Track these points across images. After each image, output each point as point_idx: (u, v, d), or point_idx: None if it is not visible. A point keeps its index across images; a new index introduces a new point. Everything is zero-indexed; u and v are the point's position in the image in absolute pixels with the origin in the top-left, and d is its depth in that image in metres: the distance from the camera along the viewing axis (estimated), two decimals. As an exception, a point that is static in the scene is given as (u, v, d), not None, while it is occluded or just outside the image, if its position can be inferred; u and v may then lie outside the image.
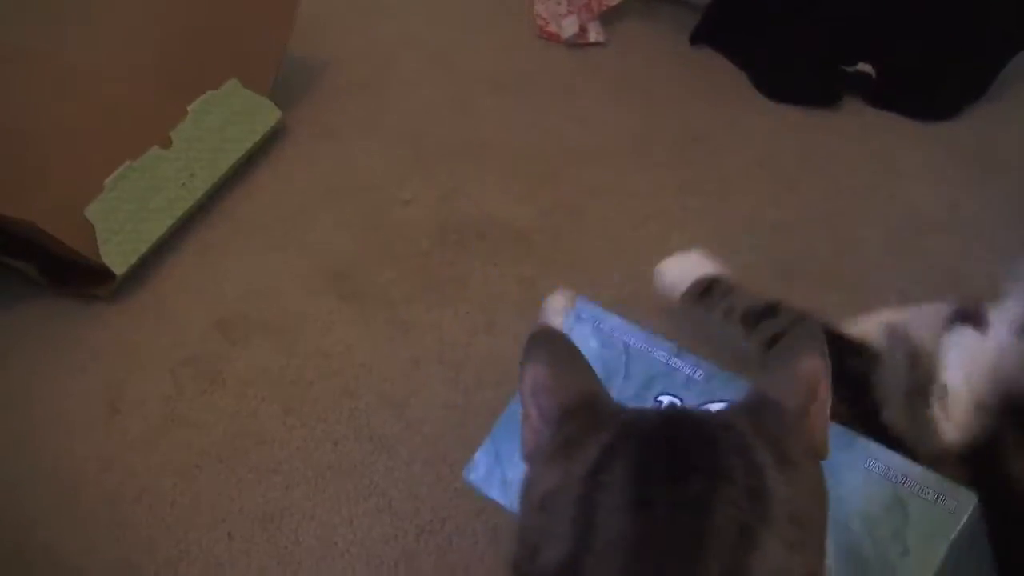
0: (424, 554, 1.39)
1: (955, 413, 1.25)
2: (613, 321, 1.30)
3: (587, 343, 1.28)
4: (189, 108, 1.85)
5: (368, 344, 1.63)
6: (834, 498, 0.98)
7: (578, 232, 1.82)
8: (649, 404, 1.22)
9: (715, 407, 1.10)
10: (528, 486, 0.84)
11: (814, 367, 0.86)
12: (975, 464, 1.23)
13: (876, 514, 1.07)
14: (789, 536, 0.77)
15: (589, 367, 0.89)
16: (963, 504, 1.03)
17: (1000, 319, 1.35)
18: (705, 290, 1.53)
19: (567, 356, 0.89)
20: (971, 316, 1.36)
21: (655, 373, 1.24)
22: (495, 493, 1.24)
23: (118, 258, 1.69)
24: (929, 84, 2.04)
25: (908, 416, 1.28)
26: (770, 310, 1.46)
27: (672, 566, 0.74)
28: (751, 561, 0.75)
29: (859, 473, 1.09)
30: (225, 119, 1.89)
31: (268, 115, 1.95)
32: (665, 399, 1.22)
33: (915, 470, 1.07)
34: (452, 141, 1.99)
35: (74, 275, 1.73)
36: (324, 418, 1.54)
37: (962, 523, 1.03)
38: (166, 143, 1.81)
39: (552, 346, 0.88)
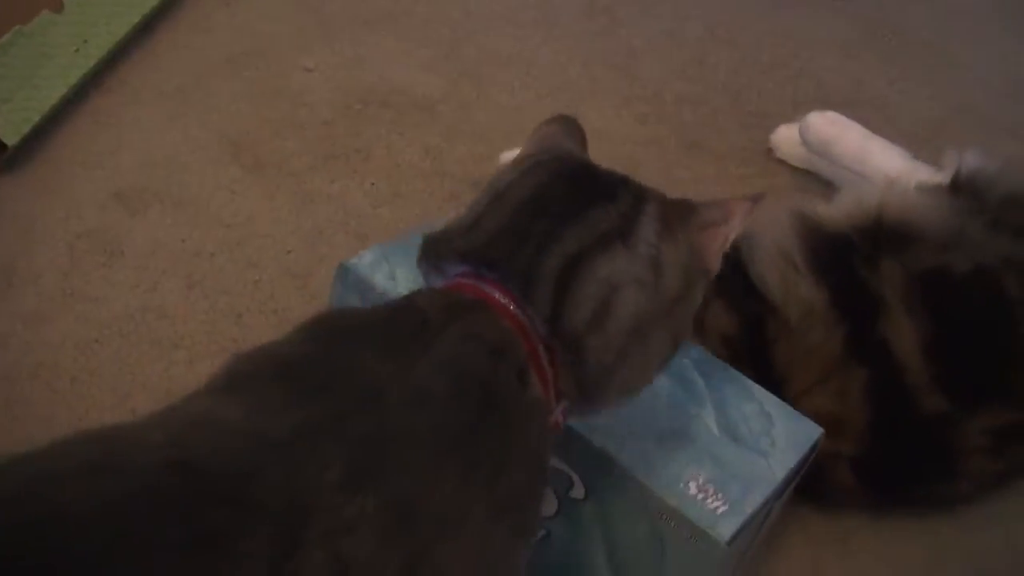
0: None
1: None
2: (380, 285, 1.19)
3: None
4: (81, -30, 1.79)
5: (271, 215, 1.61)
6: (603, 515, 1.07)
7: (484, 102, 1.80)
8: None
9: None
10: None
11: (741, 203, 0.93)
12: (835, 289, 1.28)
13: (641, 542, 1.05)
14: (641, 272, 0.86)
15: (585, 149, 1.01)
16: (712, 547, 1.00)
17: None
18: None
19: (578, 133, 1.02)
20: None
21: None
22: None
23: (9, 128, 1.64)
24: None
25: (777, 272, 1.31)
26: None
27: (541, 222, 0.85)
28: (598, 258, 0.84)
29: (622, 497, 1.05)
30: (120, -18, 1.83)
31: (165, -21, 1.89)
32: None
33: (668, 505, 1.01)
34: (356, 8, 1.95)
35: (-36, 145, 1.67)
36: (227, 291, 1.52)
37: (717, 560, 1.02)
38: (57, 7, 1.75)
39: (571, 125, 1.01)
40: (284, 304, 1.50)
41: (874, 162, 1.55)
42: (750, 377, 1.17)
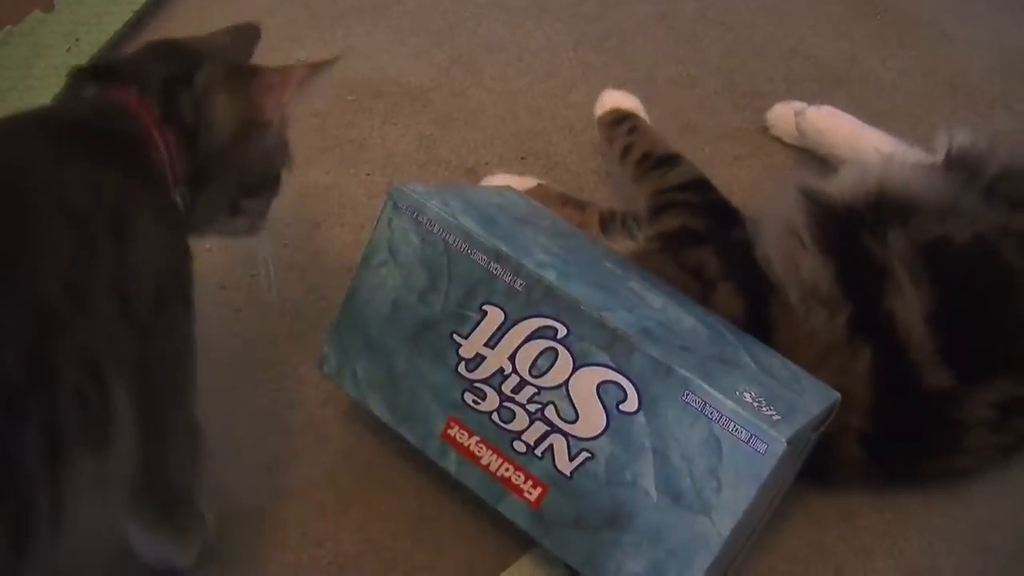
0: (331, 419, 1.38)
1: None
2: (433, 211, 1.19)
3: (408, 239, 1.20)
4: (71, -31, 1.78)
5: (267, 209, 1.61)
6: (655, 428, 1.07)
7: (476, 89, 1.80)
8: (474, 315, 1.16)
9: (587, 372, 1.11)
10: None
11: (299, 70, 1.15)
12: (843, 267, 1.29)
13: (693, 448, 1.06)
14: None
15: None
16: (773, 447, 1.02)
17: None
18: (614, 120, 1.53)
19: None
20: None
21: (476, 278, 1.16)
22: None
23: (3, 127, 1.64)
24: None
25: (782, 250, 1.31)
26: (668, 160, 1.47)
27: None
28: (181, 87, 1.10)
29: (676, 405, 1.06)
30: (110, -20, 1.82)
31: (155, -25, 1.89)
32: (490, 310, 1.16)
33: (728, 406, 1.05)
34: (347, -1, 1.95)
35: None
36: (225, 285, 1.52)
37: (772, 466, 1.03)
38: (48, 6, 1.74)
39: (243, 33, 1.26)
40: (282, 296, 1.50)
41: (867, 151, 1.56)
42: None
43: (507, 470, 1.16)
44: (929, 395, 1.24)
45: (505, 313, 1.14)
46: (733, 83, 1.83)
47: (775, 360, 1.20)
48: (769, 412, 1.05)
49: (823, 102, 1.65)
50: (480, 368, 1.16)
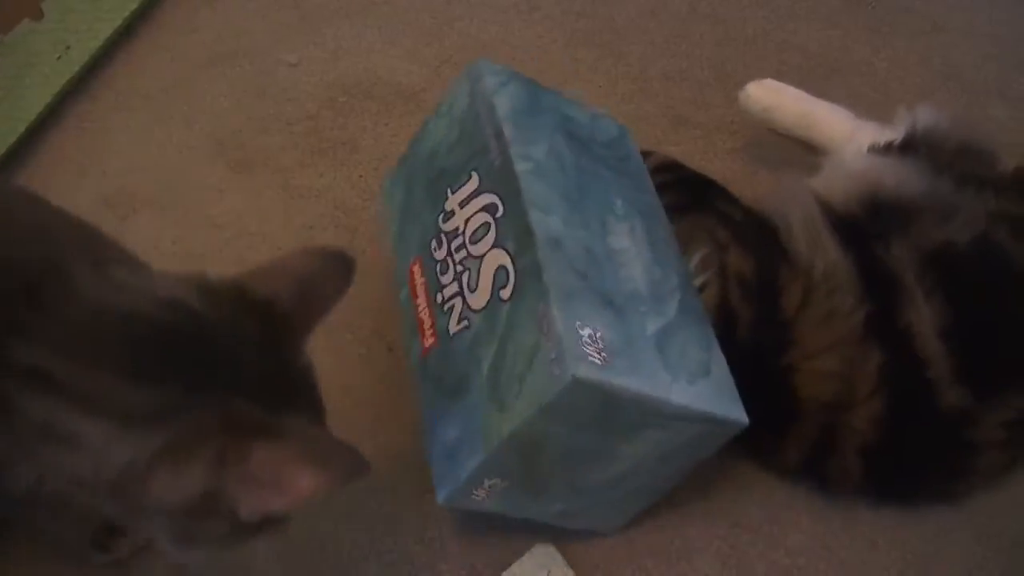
0: (329, 420, 1.38)
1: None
2: (486, 83, 1.32)
3: (462, 100, 1.34)
4: (59, -23, 1.78)
5: (260, 213, 1.61)
6: (510, 321, 1.13)
7: (469, 89, 1.79)
8: (464, 177, 1.27)
9: (496, 253, 1.19)
10: None
11: (318, 473, 0.87)
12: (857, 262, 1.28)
13: (520, 351, 1.10)
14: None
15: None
16: (563, 375, 1.04)
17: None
18: None
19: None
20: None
21: (477, 146, 1.28)
22: (388, 206, 1.31)
23: (-5, 138, 1.64)
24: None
25: (805, 240, 1.31)
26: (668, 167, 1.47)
27: None
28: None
29: (530, 309, 1.11)
30: (99, -13, 1.82)
31: (144, -19, 1.88)
32: (473, 175, 1.26)
33: (558, 326, 1.07)
34: (336, 0, 1.94)
35: (-50, 157, 1.67)
36: (220, 291, 1.52)
37: (556, 392, 1.04)
38: (38, 15, 1.74)
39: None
40: (278, 301, 1.50)
41: (819, 127, 1.57)
42: (753, 318, 1.26)
43: (424, 314, 1.27)
44: (944, 416, 1.22)
45: (480, 182, 1.25)
46: (726, 75, 1.82)
47: (708, 355, 1.19)
48: (596, 353, 1.07)
49: (816, 93, 1.64)
50: (448, 222, 1.27)
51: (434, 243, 1.28)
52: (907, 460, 1.24)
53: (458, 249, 1.24)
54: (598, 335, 1.08)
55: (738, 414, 1.15)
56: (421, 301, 1.28)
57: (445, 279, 1.25)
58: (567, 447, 1.12)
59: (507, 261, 1.17)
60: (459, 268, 1.23)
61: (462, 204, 1.26)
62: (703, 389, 1.14)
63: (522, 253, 1.15)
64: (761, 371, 1.23)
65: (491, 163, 1.24)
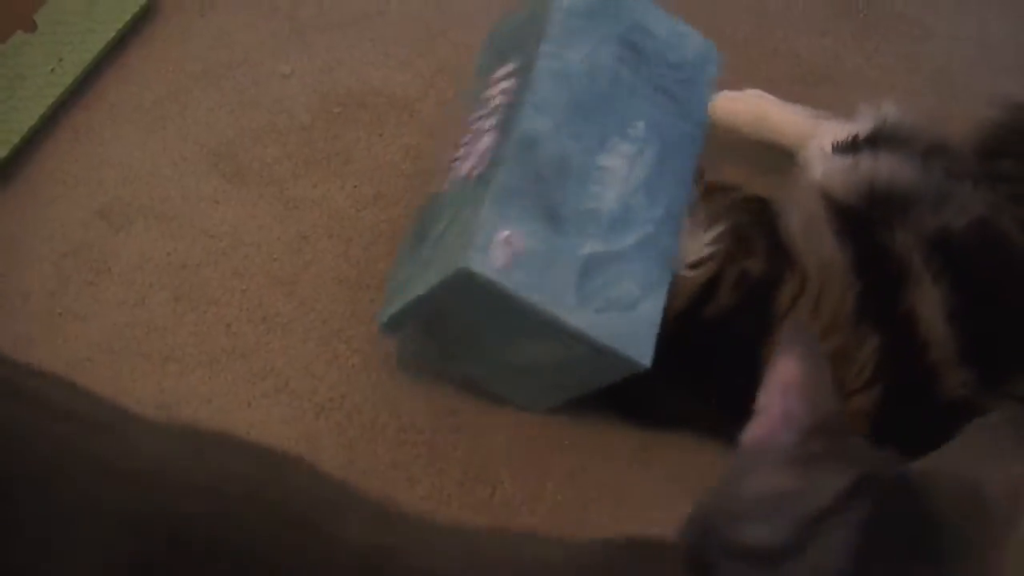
0: (325, 432, 1.39)
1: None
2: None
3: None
4: (51, -10, 1.78)
5: (255, 223, 1.61)
6: (463, 194, 1.28)
7: (462, 98, 1.80)
8: (508, 64, 1.37)
9: (493, 133, 1.30)
10: (743, 472, 0.87)
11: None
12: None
13: (458, 226, 1.21)
14: None
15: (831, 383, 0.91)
16: (456, 264, 1.15)
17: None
18: None
19: (818, 367, 0.89)
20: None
21: (525, 35, 1.37)
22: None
23: (-11, 151, 1.64)
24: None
25: (804, 238, 1.32)
26: None
27: None
28: None
29: (478, 192, 1.22)
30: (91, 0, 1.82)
31: (137, -7, 1.89)
32: (513, 61, 1.36)
33: (481, 216, 1.17)
34: (329, 11, 1.94)
35: (-56, 170, 1.68)
36: (215, 301, 1.52)
37: (448, 275, 1.16)
38: (30, 27, 1.74)
39: (807, 349, 0.89)
40: (272, 311, 1.51)
41: (779, 130, 1.58)
42: (738, 304, 1.30)
43: (455, 159, 1.36)
44: (945, 399, 1.21)
45: (514, 67, 1.34)
46: (716, 82, 1.83)
47: (642, 293, 1.23)
48: (501, 255, 1.16)
49: (806, 101, 1.65)
50: (484, 93, 1.38)
51: (475, 108, 1.38)
52: (906, 447, 1.24)
53: (477, 120, 1.34)
54: (515, 240, 1.16)
55: (639, 355, 1.20)
56: (459, 149, 1.38)
57: (463, 142, 1.35)
58: (469, 324, 1.23)
59: (493, 144, 1.26)
60: (471, 137, 1.32)
61: (496, 81, 1.36)
62: (612, 321, 1.19)
63: (502, 142, 1.23)
64: (743, 355, 1.24)
65: (528, 53, 1.31)
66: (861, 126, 1.46)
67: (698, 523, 0.85)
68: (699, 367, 1.28)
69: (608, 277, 1.20)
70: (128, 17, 1.86)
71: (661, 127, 1.34)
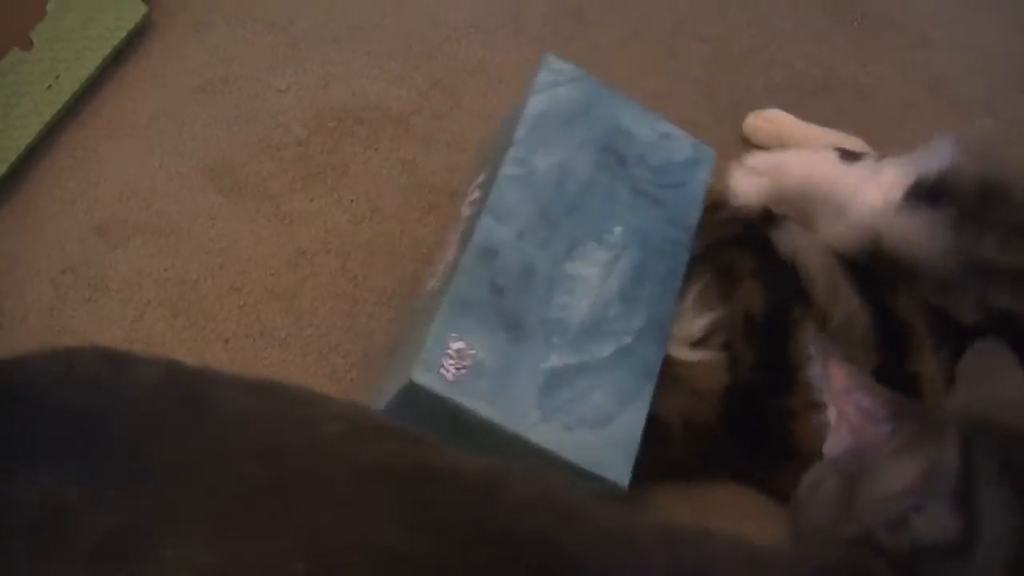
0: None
1: None
2: (540, 77, 1.39)
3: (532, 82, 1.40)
4: (48, 7, 1.78)
5: (252, 238, 1.61)
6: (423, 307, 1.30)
7: (457, 111, 1.80)
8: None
9: (456, 235, 1.30)
10: (865, 477, 0.87)
11: None
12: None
13: (418, 336, 1.18)
14: None
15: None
16: (406, 377, 1.12)
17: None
18: None
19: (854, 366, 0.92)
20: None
21: (503, 142, 1.33)
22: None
23: (-14, 169, 1.64)
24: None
25: (824, 287, 1.31)
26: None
27: None
28: None
29: (434, 312, 1.17)
30: (87, 16, 1.82)
31: (133, 10, 1.88)
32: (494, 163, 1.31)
33: (433, 330, 1.14)
34: (325, 25, 1.95)
35: (-59, 188, 1.68)
36: (213, 316, 1.52)
37: (399, 388, 1.13)
38: (27, 45, 1.75)
39: (839, 353, 0.92)
40: (270, 326, 1.51)
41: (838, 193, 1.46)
42: (757, 360, 1.25)
43: (429, 274, 1.36)
44: None
45: (485, 176, 1.32)
46: (712, 94, 1.83)
47: (618, 408, 1.18)
48: (452, 368, 1.12)
49: (803, 110, 1.65)
50: (463, 203, 1.36)
51: (467, 199, 1.38)
52: None
53: (454, 230, 1.33)
54: (469, 352, 1.12)
55: (615, 475, 1.13)
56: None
57: (444, 249, 1.33)
58: (438, 431, 1.16)
59: (454, 256, 1.23)
60: (446, 245, 1.31)
61: (470, 192, 1.33)
62: (581, 438, 1.13)
63: (461, 252, 1.20)
64: (760, 408, 1.23)
65: (496, 162, 1.28)
66: (908, 173, 1.38)
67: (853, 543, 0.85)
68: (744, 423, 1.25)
69: (575, 391, 1.16)
70: (124, 34, 1.86)
71: (642, 232, 1.30)
